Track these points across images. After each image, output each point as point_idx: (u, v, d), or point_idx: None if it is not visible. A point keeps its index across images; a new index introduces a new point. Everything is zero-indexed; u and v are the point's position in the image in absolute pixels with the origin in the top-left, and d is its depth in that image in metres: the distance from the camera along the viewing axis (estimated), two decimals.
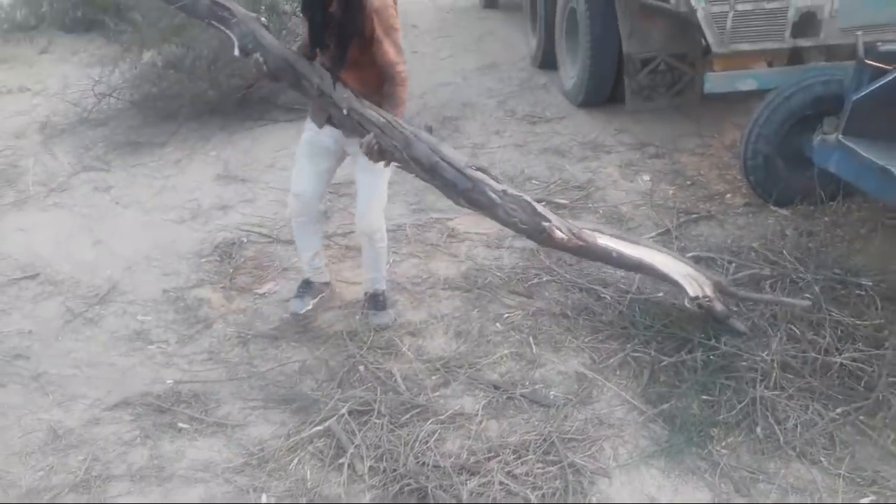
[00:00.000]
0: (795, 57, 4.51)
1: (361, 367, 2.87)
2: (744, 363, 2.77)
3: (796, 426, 2.53)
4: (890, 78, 3.14)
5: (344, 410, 2.57)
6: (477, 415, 2.60)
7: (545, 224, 2.75)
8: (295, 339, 3.10)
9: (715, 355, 2.82)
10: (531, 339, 3.05)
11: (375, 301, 3.19)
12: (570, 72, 5.70)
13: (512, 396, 2.70)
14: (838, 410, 2.58)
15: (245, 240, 3.96)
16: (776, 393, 2.64)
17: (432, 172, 2.70)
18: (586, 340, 3.03)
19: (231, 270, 3.66)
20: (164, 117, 5.60)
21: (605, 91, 5.45)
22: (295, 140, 5.37)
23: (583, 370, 2.86)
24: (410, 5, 7.98)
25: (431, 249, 3.81)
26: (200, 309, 3.35)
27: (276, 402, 2.71)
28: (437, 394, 2.73)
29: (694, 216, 4.11)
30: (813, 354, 2.76)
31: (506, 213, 2.73)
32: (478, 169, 2.75)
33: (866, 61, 3.37)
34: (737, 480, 2.35)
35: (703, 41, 4.51)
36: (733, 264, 3.46)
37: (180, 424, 2.62)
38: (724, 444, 2.49)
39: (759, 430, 2.53)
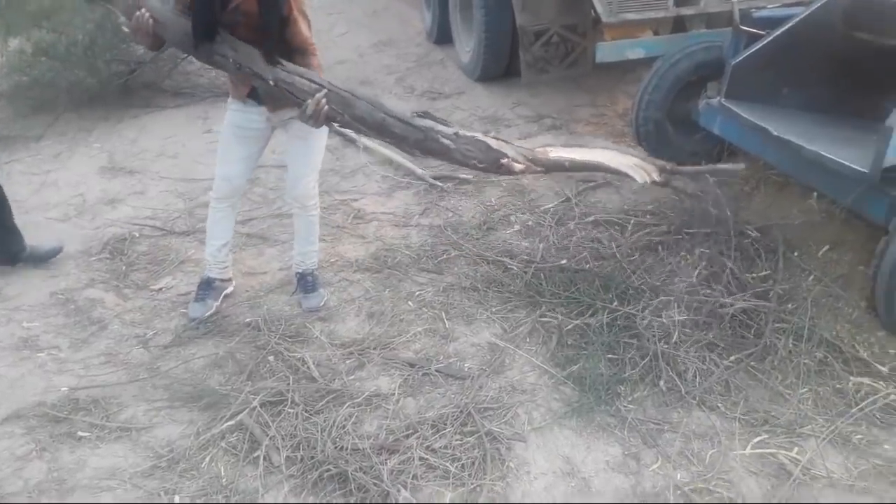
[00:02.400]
0: (679, 25, 4.70)
1: (271, 358, 2.79)
2: (645, 321, 2.90)
3: (695, 376, 2.67)
4: (764, 43, 3.32)
5: (255, 403, 2.50)
6: (393, 394, 2.60)
7: (503, 160, 2.71)
8: (199, 335, 2.98)
9: (618, 316, 2.93)
10: (443, 314, 3.07)
11: (305, 282, 3.13)
12: (466, 46, 5.72)
13: (427, 373, 2.71)
14: (732, 358, 2.75)
15: (137, 234, 3.76)
16: (675, 348, 2.77)
17: (380, 129, 2.62)
18: (496, 311, 3.08)
19: (124, 268, 3.47)
20: (38, 109, 5.22)
21: (501, 65, 5.50)
22: (184, 127, 5.23)
23: (495, 340, 2.91)
24: None
25: (338, 232, 3.75)
26: (93, 310, 3.16)
27: (183, 401, 2.61)
28: (353, 377, 2.70)
29: (592, 184, 4.22)
30: (707, 307, 2.92)
31: (462, 155, 2.68)
32: (424, 115, 2.68)
33: (742, 27, 3.55)
34: (644, 432, 2.46)
35: (592, 12, 4.62)
36: (630, 225, 3.60)
37: (80, 433, 2.48)
38: (630, 399, 2.60)
39: (661, 383, 2.65)
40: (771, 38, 3.30)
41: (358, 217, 3.90)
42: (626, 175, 2.96)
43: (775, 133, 3.01)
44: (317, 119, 2.55)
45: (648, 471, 2.33)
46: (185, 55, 3.15)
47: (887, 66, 3.00)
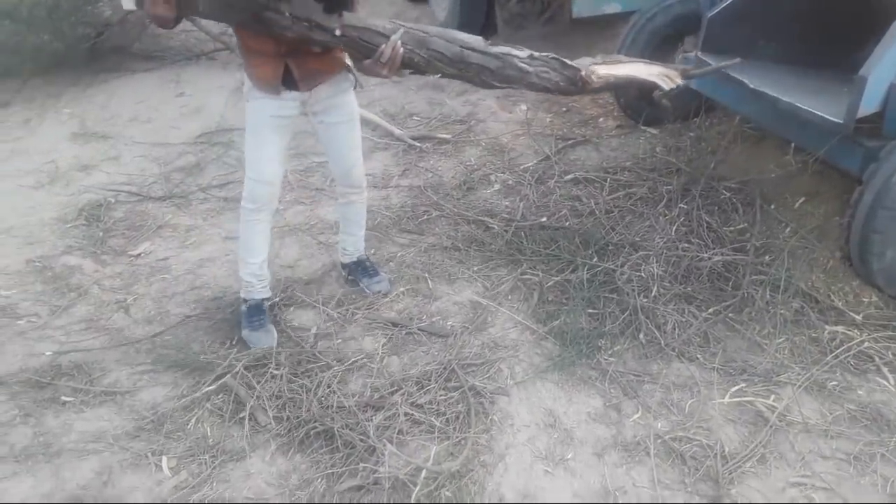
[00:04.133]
0: None
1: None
2: (624, 276, 2.93)
3: (674, 329, 2.72)
4: None
5: (240, 367, 2.50)
6: (378, 353, 2.61)
7: (579, 74, 2.54)
8: (180, 300, 2.97)
9: (598, 272, 2.96)
10: (426, 274, 3.08)
11: (366, 268, 3.00)
12: (442, 3, 5.63)
13: (411, 332, 2.72)
14: (710, 310, 2.79)
15: (113, 200, 3.71)
16: (655, 301, 2.81)
17: (459, 64, 2.39)
18: (478, 270, 3.10)
19: (101, 234, 3.42)
20: (2, 74, 5.07)
21: (478, 21, 5.42)
22: (157, 91, 5.13)
23: (477, 298, 2.93)
24: None
25: (317, 194, 3.72)
26: (72, 277, 3.13)
27: (167, 366, 2.60)
28: (338, 339, 2.71)
29: (571, 141, 4.23)
30: (686, 260, 2.96)
31: (539, 78, 2.51)
32: (496, 43, 2.48)
33: None
34: (624, 384, 2.51)
35: None
36: (608, 182, 3.61)
37: (63, 398, 2.47)
38: (610, 352, 2.64)
39: (641, 336, 2.69)
40: None
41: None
42: (656, 84, 2.90)
43: (752, 86, 3.02)
44: (393, 65, 2.27)
45: (629, 421, 2.38)
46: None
47: (858, 18, 3.01)
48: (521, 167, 3.97)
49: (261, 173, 2.54)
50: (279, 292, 2.93)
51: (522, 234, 3.27)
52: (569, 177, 3.80)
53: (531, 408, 2.42)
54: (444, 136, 4.34)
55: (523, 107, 4.76)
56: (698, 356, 2.62)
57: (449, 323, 2.81)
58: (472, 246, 3.25)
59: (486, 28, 5.43)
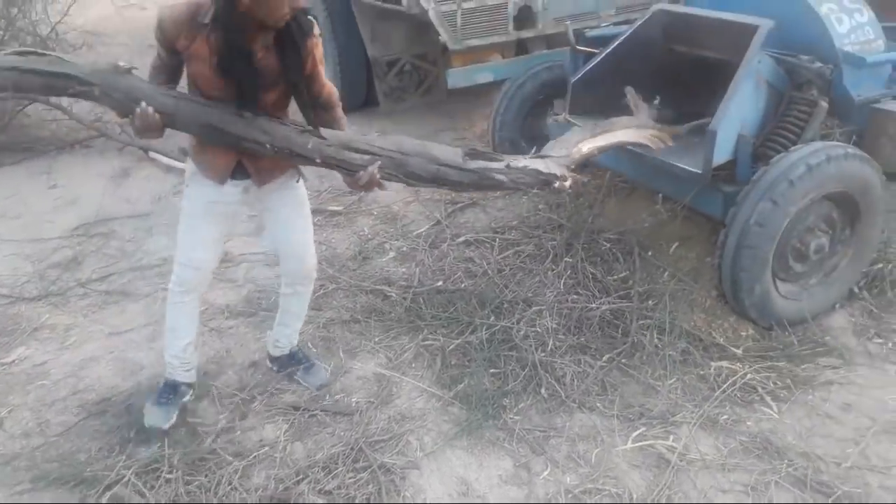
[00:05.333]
0: (522, 48, 4.95)
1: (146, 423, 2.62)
2: (521, 332, 3.00)
3: (573, 380, 2.80)
4: (597, 60, 3.56)
5: (130, 474, 2.33)
6: (280, 441, 2.52)
7: (555, 184, 2.66)
8: (61, 406, 2.76)
9: (496, 331, 3.02)
10: (326, 350, 3.03)
11: (300, 360, 2.86)
12: None
13: (314, 414, 2.65)
14: (604, 358, 2.90)
15: None
16: (552, 354, 2.89)
17: (435, 180, 2.48)
18: (379, 341, 3.08)
19: None
20: None
21: (359, 95, 5.54)
22: (27, 183, 4.86)
23: (380, 370, 2.90)
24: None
25: None
26: None
27: (49, 482, 2.39)
28: (236, 431, 2.60)
29: (460, 205, 4.34)
30: (577, 311, 3.08)
31: (514, 184, 2.60)
32: (473, 154, 2.53)
33: (577, 48, 3.80)
34: (531, 442, 2.54)
35: (440, 40, 4.77)
36: (497, 242, 3.72)
37: None
38: (515, 410, 2.68)
39: (543, 390, 2.75)
40: (603, 55, 3.55)
41: (226, 260, 3.77)
42: (646, 145, 3.06)
43: (630, 147, 3.22)
44: (369, 187, 2.35)
45: (540, 479, 2.40)
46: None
47: (704, 76, 3.31)
48: (415, 233, 4.03)
49: (190, 259, 2.47)
50: None
51: (421, 299, 3.30)
52: (460, 239, 3.89)
53: (443, 478, 2.40)
54: (336, 208, 4.36)
55: None
56: (598, 405, 2.71)
57: (353, 400, 2.76)
58: (372, 316, 3.24)
59: (368, 102, 5.55)
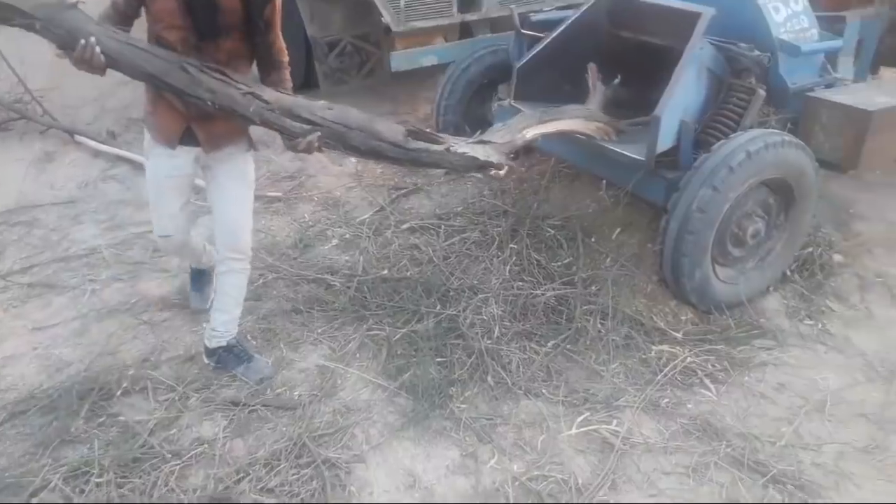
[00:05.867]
0: (466, 31, 4.90)
1: (74, 424, 2.49)
2: (467, 320, 2.98)
3: (519, 367, 2.79)
4: (543, 45, 3.54)
5: (56, 480, 2.21)
6: (219, 439, 2.43)
7: (493, 172, 2.71)
8: None
9: (442, 319, 2.99)
10: (267, 342, 2.94)
11: (240, 353, 2.73)
12: None
13: (254, 409, 2.57)
14: (550, 344, 2.90)
15: None
16: (498, 342, 2.88)
17: (374, 155, 2.53)
18: (322, 332, 3.00)
19: None
20: None
21: (298, 77, 5.35)
22: None
23: (323, 362, 2.83)
24: None
25: (136, 268, 3.45)
26: None
27: None
28: (173, 429, 2.49)
29: (403, 191, 4.28)
30: (522, 298, 3.07)
31: (452, 166, 2.67)
32: (415, 134, 2.55)
33: (523, 31, 3.77)
34: (478, 430, 2.52)
35: (382, 21, 4.68)
36: (442, 229, 3.68)
37: None
38: (462, 399, 2.66)
39: (489, 378, 2.74)
40: (548, 40, 3.53)
41: (158, 250, 3.61)
42: (592, 136, 3.12)
43: (578, 135, 3.22)
44: (306, 153, 2.40)
45: (487, 467, 2.39)
46: None
47: (649, 61, 3.33)
48: (358, 220, 3.95)
49: (158, 228, 2.63)
50: (96, 384, 2.65)
51: (365, 288, 3.24)
52: (405, 226, 3.84)
53: (389, 471, 2.36)
54: (275, 193, 4.23)
55: (352, 159, 4.76)
56: (543, 391, 2.71)
57: (296, 393, 2.68)
58: (315, 306, 3.16)
59: (308, 84, 5.40)
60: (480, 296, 3.10)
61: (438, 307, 3.06)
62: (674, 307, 3.12)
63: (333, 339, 2.97)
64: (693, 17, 3.02)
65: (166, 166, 2.47)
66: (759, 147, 2.87)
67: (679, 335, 2.97)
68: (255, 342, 2.92)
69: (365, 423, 2.55)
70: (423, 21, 4.48)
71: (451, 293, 3.15)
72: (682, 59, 2.94)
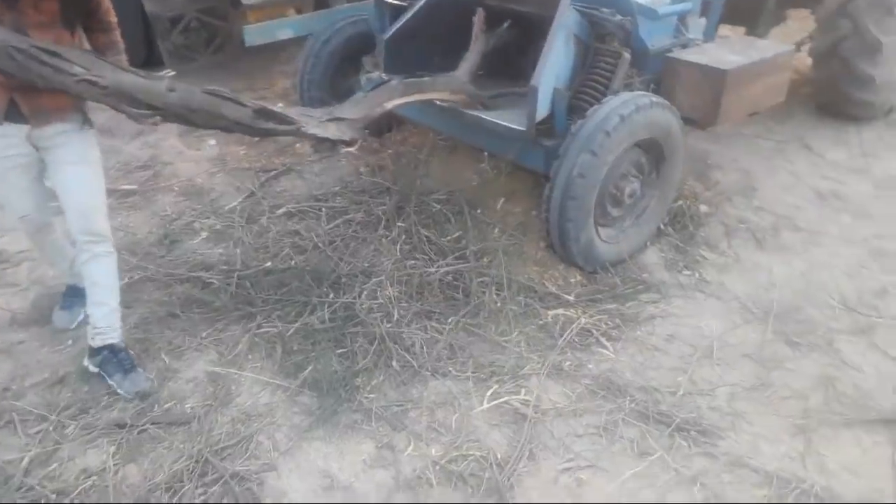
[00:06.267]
0: (321, 2, 4.67)
1: None
2: (364, 306, 2.87)
3: (423, 348, 2.74)
4: (408, 16, 3.43)
5: None
6: (109, 467, 2.18)
7: (342, 149, 2.92)
8: None
9: (337, 308, 2.86)
10: (145, 352, 2.67)
11: (122, 358, 2.49)
12: None
13: (144, 429, 2.33)
14: (450, 321, 2.87)
15: None
16: (398, 325, 2.80)
17: (225, 130, 2.58)
18: (207, 336, 2.78)
19: None
20: None
21: (138, 56, 4.90)
22: None
23: (213, 368, 2.62)
24: None
25: None
26: None
27: None
28: (53, 464, 2.20)
29: (273, 173, 4.05)
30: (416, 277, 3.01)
31: (302, 139, 2.72)
32: (263, 115, 2.47)
33: (383, 0, 3.63)
34: (390, 418, 2.45)
35: None
36: (323, 211, 3.52)
37: None
38: (369, 388, 2.56)
39: (395, 363, 2.66)
40: (415, 9, 3.43)
41: (3, 261, 3.19)
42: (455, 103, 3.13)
43: (439, 102, 3.15)
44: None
45: (405, 456, 2.33)
46: None
47: (522, 31, 3.33)
48: (227, 208, 3.69)
49: (15, 210, 2.49)
50: None
51: (248, 283, 3.03)
52: (280, 211, 3.63)
53: (303, 475, 2.24)
54: (129, 186, 3.86)
55: (212, 142, 4.43)
56: (450, 369, 2.67)
57: (187, 406, 2.47)
58: (193, 308, 2.91)
59: (150, 61, 4.95)
60: (374, 279, 3.00)
61: (331, 295, 2.93)
62: (563, 271, 3.18)
63: (220, 343, 2.76)
64: None
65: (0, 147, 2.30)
66: (630, 110, 2.95)
67: (571, 298, 3.04)
68: (131, 353, 2.65)
69: (269, 429, 2.39)
70: None
71: (343, 279, 3.02)
72: (552, 26, 2.95)
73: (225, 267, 3.14)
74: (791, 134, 4.64)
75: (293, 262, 3.16)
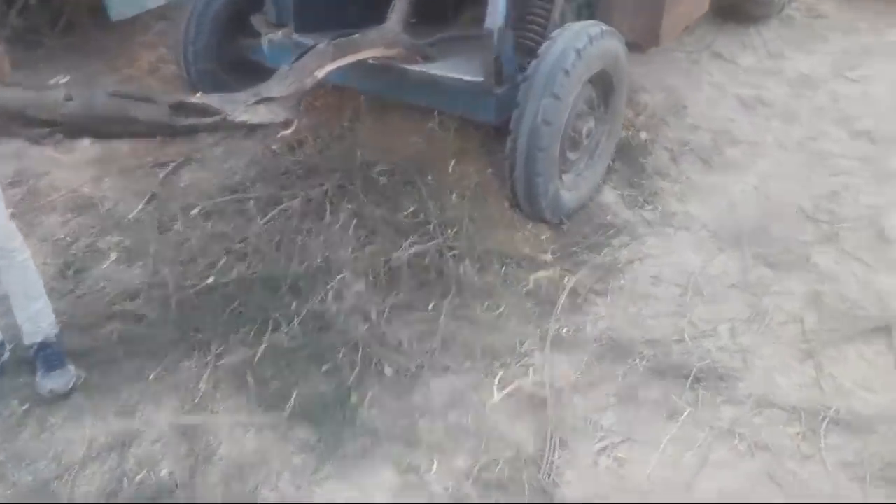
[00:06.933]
0: None
1: None
2: (334, 310, 2.54)
3: (411, 345, 2.47)
4: None
5: None
6: None
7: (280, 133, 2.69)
8: None
9: (305, 318, 2.51)
10: (90, 418, 2.23)
11: (48, 355, 2.30)
12: None
13: None
14: (430, 307, 2.60)
15: None
16: (378, 322, 2.51)
17: (139, 137, 2.55)
18: (156, 378, 2.36)
19: None
20: None
21: None
22: None
23: (180, 420, 2.23)
24: None
25: None
26: None
27: None
28: None
29: (170, 167, 3.51)
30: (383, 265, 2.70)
31: (233, 129, 2.61)
32: (182, 109, 2.15)
33: None
34: (401, 434, 2.19)
35: None
36: (251, 204, 3.09)
37: None
38: (367, 404, 2.28)
39: (387, 369, 2.39)
40: None
41: None
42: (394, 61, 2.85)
43: (372, 60, 2.78)
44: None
45: (431, 475, 2.09)
46: None
47: None
48: (129, 218, 3.16)
49: None
50: None
51: (189, 306, 2.60)
52: (195, 212, 3.15)
53: None
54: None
55: (86, 141, 3.78)
56: (448, 363, 2.44)
57: (163, 473, 2.08)
58: (133, 349, 2.46)
59: None
60: (337, 277, 2.65)
61: (294, 304, 2.56)
62: (532, 229, 2.96)
63: (177, 386, 2.35)
64: None
65: None
66: (585, 43, 2.72)
67: (548, 257, 2.85)
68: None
69: (270, 479, 2.07)
70: None
71: (301, 283, 2.65)
72: None
73: (156, 292, 2.67)
74: (700, 43, 4.57)
75: (234, 271, 2.74)
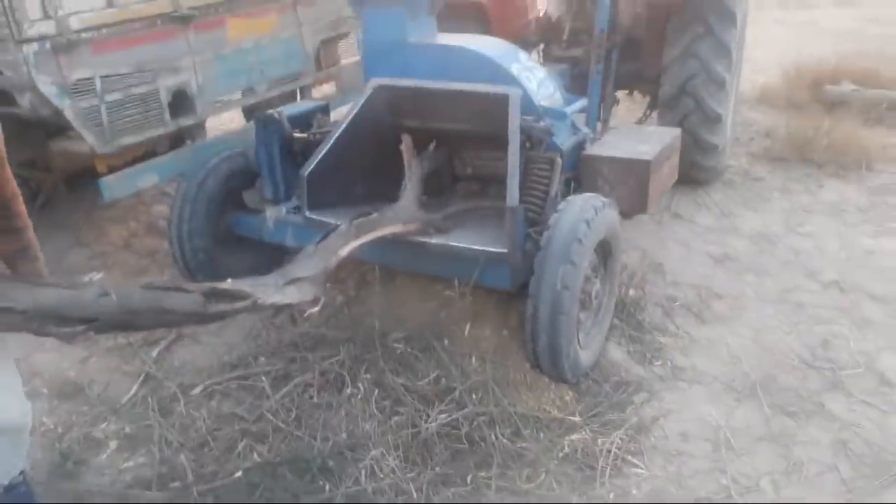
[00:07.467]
0: (177, 140, 4.13)
1: None
2: (369, 490, 2.39)
3: None
4: (327, 147, 3.11)
5: None
6: None
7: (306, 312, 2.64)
8: None
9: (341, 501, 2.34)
10: None
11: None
12: None
13: None
14: (468, 480, 2.49)
15: None
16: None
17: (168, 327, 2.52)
18: None
19: None
20: None
21: None
22: None
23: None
24: None
25: None
26: None
27: None
28: None
29: (162, 344, 3.38)
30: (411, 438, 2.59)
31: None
32: (215, 296, 2.14)
33: (295, 135, 3.28)
34: None
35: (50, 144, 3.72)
36: (264, 380, 2.96)
37: None
38: None
39: None
40: (330, 142, 3.11)
41: None
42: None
43: (391, 237, 2.85)
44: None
45: None
46: None
47: (447, 147, 3.16)
48: (124, 401, 2.98)
49: None
50: None
51: (212, 496, 2.40)
52: (196, 391, 3.01)
53: None
54: None
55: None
56: None
57: None
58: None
59: None
60: (369, 453, 2.52)
61: (328, 488, 2.40)
62: (555, 390, 2.94)
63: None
64: (497, 99, 2.92)
65: None
66: (592, 214, 2.89)
67: (577, 419, 2.81)
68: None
69: None
70: (134, 135, 3.62)
71: (331, 464, 2.50)
72: (510, 141, 2.82)
73: (172, 482, 2.46)
74: (659, 205, 4.92)
75: (256, 455, 2.57)
